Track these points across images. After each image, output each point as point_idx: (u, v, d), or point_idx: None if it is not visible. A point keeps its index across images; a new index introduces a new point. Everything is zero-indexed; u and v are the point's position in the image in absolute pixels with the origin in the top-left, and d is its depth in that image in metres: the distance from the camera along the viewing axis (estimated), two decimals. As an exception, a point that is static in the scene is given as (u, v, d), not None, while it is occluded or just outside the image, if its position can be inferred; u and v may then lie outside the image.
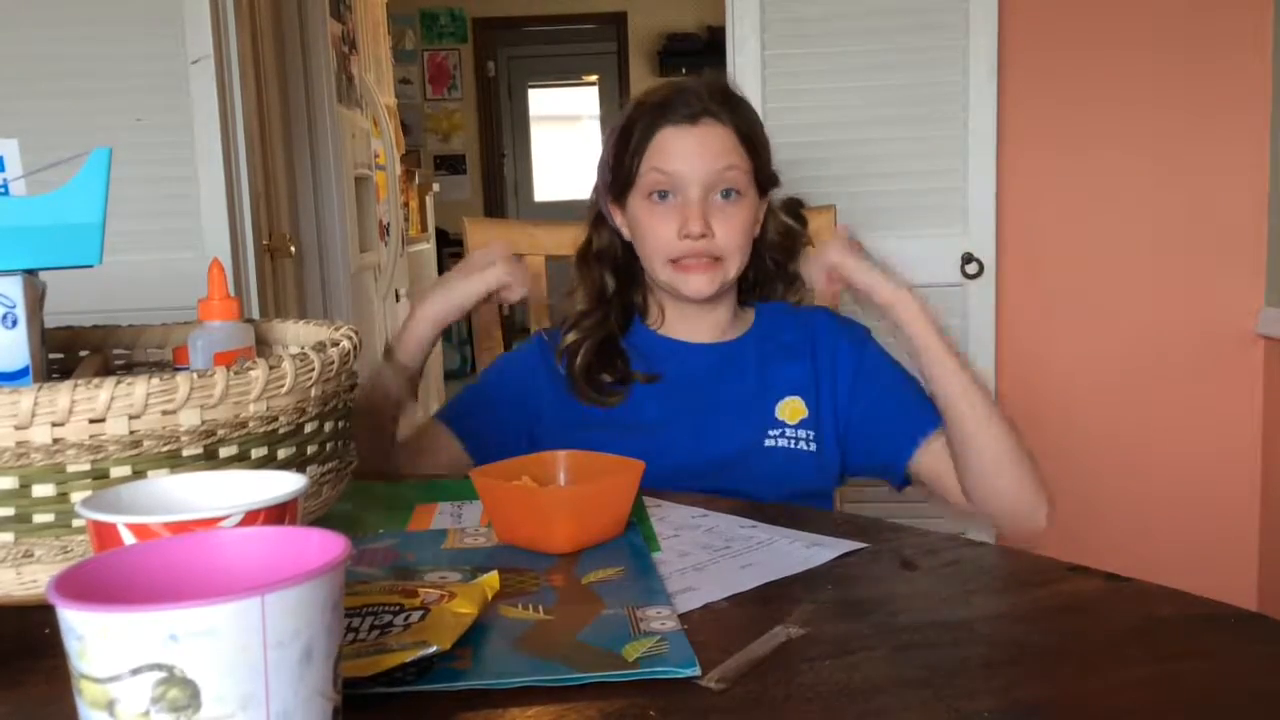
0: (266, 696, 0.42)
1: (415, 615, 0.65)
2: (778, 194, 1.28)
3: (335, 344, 0.82)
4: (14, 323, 0.83)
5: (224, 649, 0.41)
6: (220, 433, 0.73)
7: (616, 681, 0.60)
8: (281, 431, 0.77)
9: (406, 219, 4.08)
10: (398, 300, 3.47)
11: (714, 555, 0.82)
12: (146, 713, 0.40)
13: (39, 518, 0.70)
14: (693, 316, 1.24)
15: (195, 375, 0.71)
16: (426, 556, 0.83)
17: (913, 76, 1.98)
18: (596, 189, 1.29)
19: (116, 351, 1.07)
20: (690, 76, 1.26)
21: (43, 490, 0.70)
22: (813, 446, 1.19)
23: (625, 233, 1.26)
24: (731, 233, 1.18)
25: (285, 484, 0.60)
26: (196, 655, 0.40)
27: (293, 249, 2.59)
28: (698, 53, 6.68)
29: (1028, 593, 0.76)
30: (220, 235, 2.00)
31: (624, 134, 1.21)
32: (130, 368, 1.07)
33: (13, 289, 0.83)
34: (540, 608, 0.71)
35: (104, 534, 0.56)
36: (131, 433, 0.70)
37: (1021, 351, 2.06)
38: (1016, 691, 0.59)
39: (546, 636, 0.66)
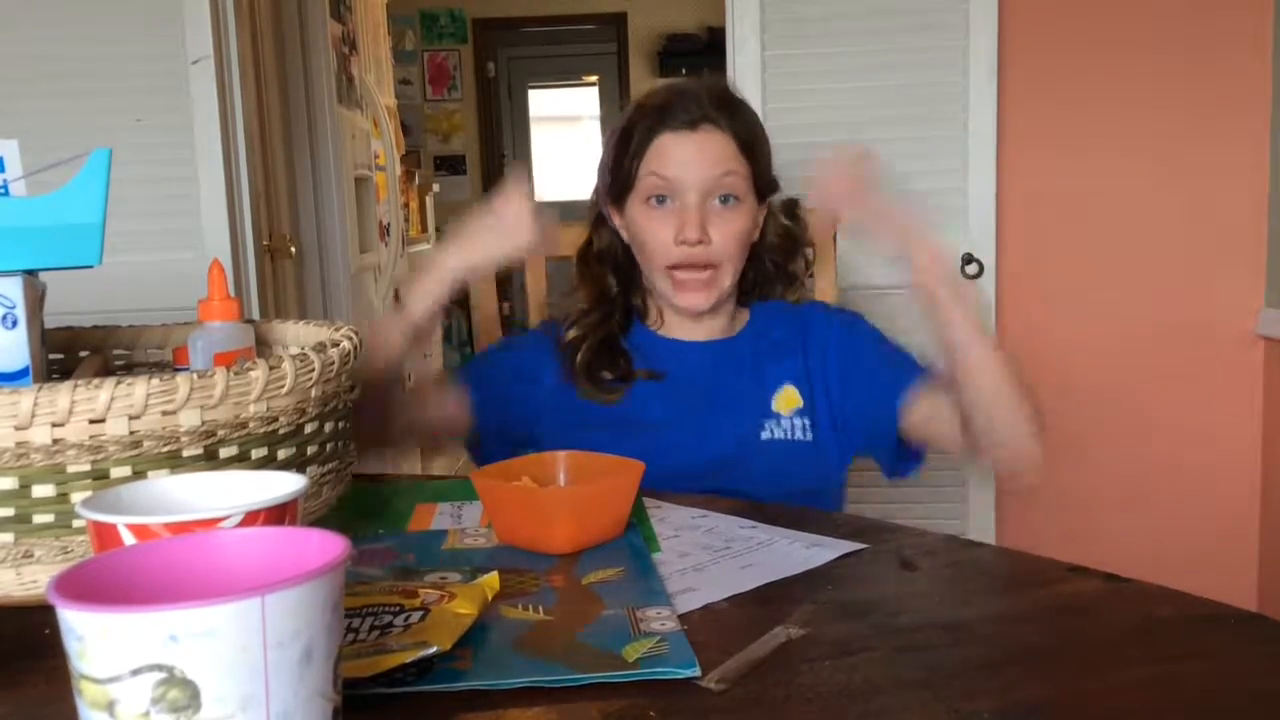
0: (266, 697, 0.42)
1: (415, 616, 0.65)
2: (776, 194, 1.28)
3: (335, 344, 0.82)
4: (14, 323, 0.83)
5: (224, 649, 0.41)
6: (220, 433, 0.73)
7: (616, 682, 0.60)
8: (281, 432, 0.77)
9: (407, 220, 4.08)
10: (397, 300, 3.47)
11: (714, 556, 0.82)
12: (146, 713, 0.40)
13: (39, 518, 0.70)
14: (690, 321, 1.25)
15: (195, 376, 0.71)
16: (426, 557, 0.83)
17: (913, 77, 1.99)
18: (597, 190, 1.29)
19: (116, 352, 1.07)
20: (691, 79, 1.26)
21: (43, 491, 0.70)
22: (809, 435, 1.19)
23: (624, 234, 1.26)
24: (728, 239, 1.18)
25: (285, 484, 0.60)
26: (196, 656, 0.40)
27: (293, 249, 2.59)
28: (698, 53, 6.67)
29: (1028, 593, 0.76)
30: (220, 236, 2.00)
31: (624, 137, 1.21)
32: (130, 368, 1.07)
33: (13, 289, 0.83)
34: (540, 608, 0.71)
35: (104, 534, 0.56)
36: (131, 433, 0.70)
37: (1021, 352, 2.04)
38: (1016, 692, 0.59)
39: (546, 637, 0.66)
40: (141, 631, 0.40)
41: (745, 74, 1.96)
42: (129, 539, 0.55)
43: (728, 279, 1.20)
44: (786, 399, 1.20)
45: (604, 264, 1.28)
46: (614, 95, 7.39)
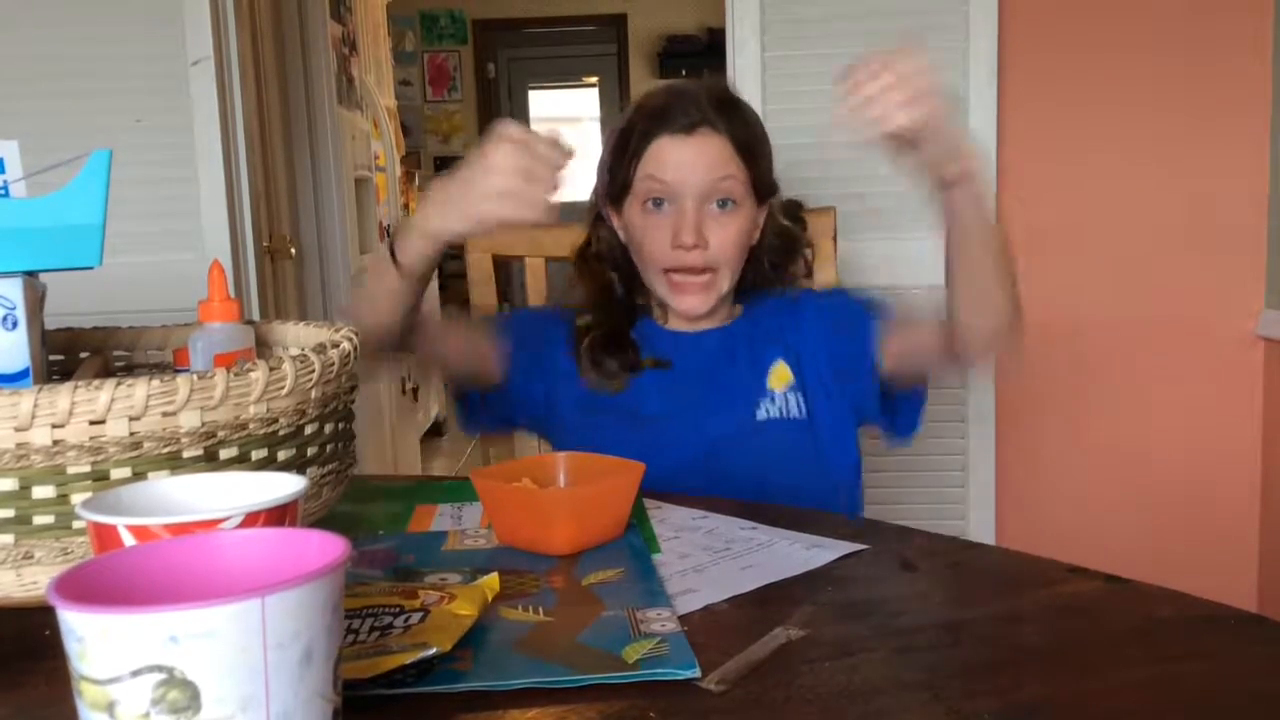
0: (266, 698, 0.42)
1: (415, 617, 0.65)
2: (776, 196, 1.28)
3: (335, 345, 0.82)
4: (14, 324, 0.83)
5: (224, 650, 0.41)
6: (220, 434, 0.73)
7: (617, 683, 0.60)
8: (282, 433, 0.77)
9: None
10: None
11: (714, 557, 0.82)
12: (146, 714, 0.40)
13: (39, 519, 0.70)
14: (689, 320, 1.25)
15: (195, 377, 0.71)
16: (426, 558, 0.83)
17: (913, 78, 1.98)
18: (595, 190, 1.29)
19: (117, 353, 1.07)
20: (690, 80, 1.25)
21: (43, 492, 0.70)
22: (802, 412, 1.19)
23: (622, 236, 1.26)
24: (725, 243, 1.18)
25: (285, 486, 0.60)
26: (197, 657, 0.40)
27: (293, 250, 2.59)
28: (698, 54, 6.67)
29: (1028, 594, 0.76)
30: (220, 237, 2.00)
31: (622, 139, 1.21)
32: (130, 369, 1.07)
33: (13, 291, 0.83)
34: (540, 609, 0.71)
35: (104, 536, 0.56)
36: (132, 434, 0.70)
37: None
38: (1016, 693, 0.59)
39: (546, 638, 0.66)
40: (141, 632, 0.40)
41: (745, 75, 1.96)
42: (129, 540, 0.55)
43: (726, 283, 1.20)
44: (779, 375, 1.21)
45: (603, 263, 1.28)
46: (614, 96, 7.39)
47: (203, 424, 0.72)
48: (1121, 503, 2.10)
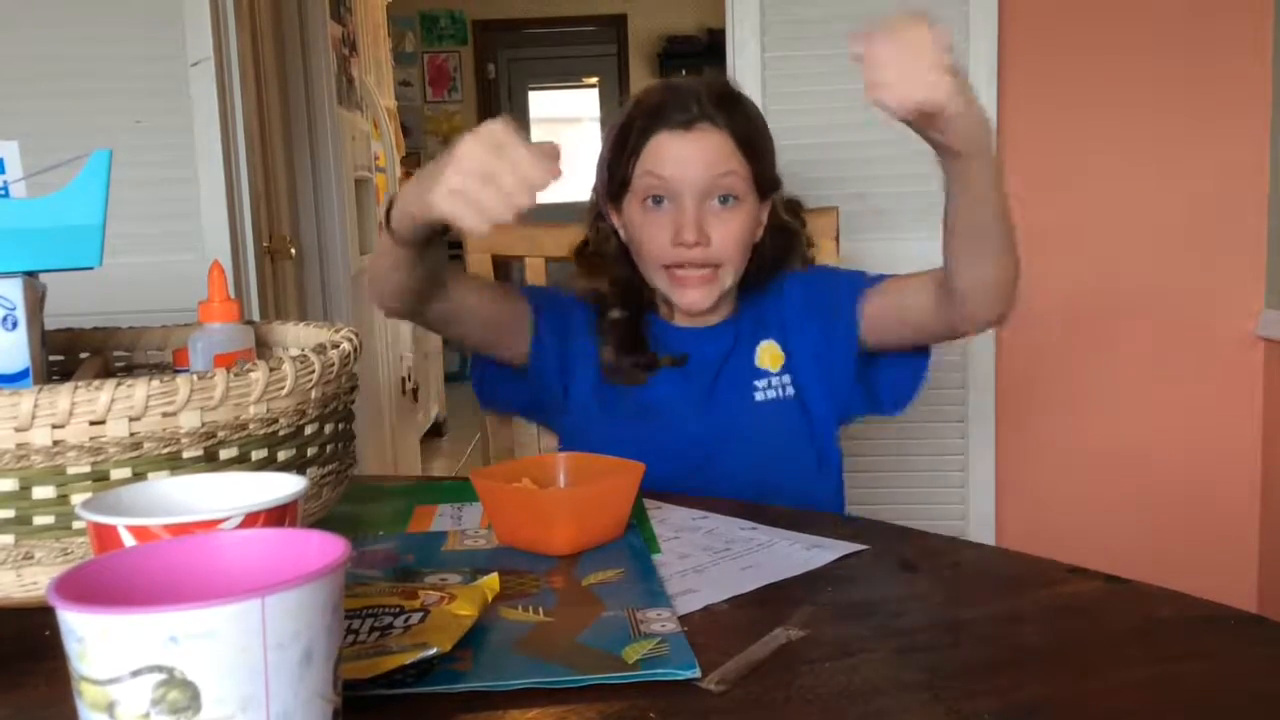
0: (266, 698, 0.42)
1: (415, 617, 0.65)
2: (778, 192, 1.27)
3: (335, 346, 0.83)
4: (14, 325, 0.83)
5: (224, 651, 0.41)
6: (220, 434, 0.73)
7: (617, 683, 0.60)
8: (281, 433, 0.77)
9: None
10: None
11: (714, 557, 0.82)
12: (147, 714, 0.40)
13: (39, 520, 0.70)
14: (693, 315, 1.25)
15: (195, 377, 0.71)
16: (426, 558, 0.83)
17: (913, 79, 1.98)
18: (595, 188, 1.28)
19: (117, 353, 1.07)
20: (690, 77, 1.24)
21: (43, 492, 0.70)
22: (791, 392, 1.20)
23: (622, 234, 1.25)
24: (728, 239, 1.17)
25: (285, 486, 0.60)
26: (197, 657, 0.40)
27: (293, 251, 2.59)
28: (698, 55, 6.67)
29: (1028, 594, 0.76)
30: (220, 237, 2.00)
31: (620, 136, 1.20)
32: (130, 369, 1.07)
33: (13, 291, 0.83)
34: (540, 610, 0.71)
35: (104, 536, 0.56)
36: (132, 434, 0.70)
37: (1022, 354, 2.06)
38: (1016, 693, 0.59)
39: (546, 638, 0.66)
40: (141, 633, 0.40)
41: (745, 76, 1.96)
42: (129, 540, 0.55)
43: (729, 279, 1.19)
44: (771, 355, 1.22)
45: (605, 261, 1.27)
46: (614, 97, 7.39)
47: (203, 424, 0.72)
48: (1121, 503, 2.10)
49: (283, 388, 0.76)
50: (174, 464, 0.71)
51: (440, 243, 1.02)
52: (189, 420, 0.72)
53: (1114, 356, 2.08)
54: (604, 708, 0.58)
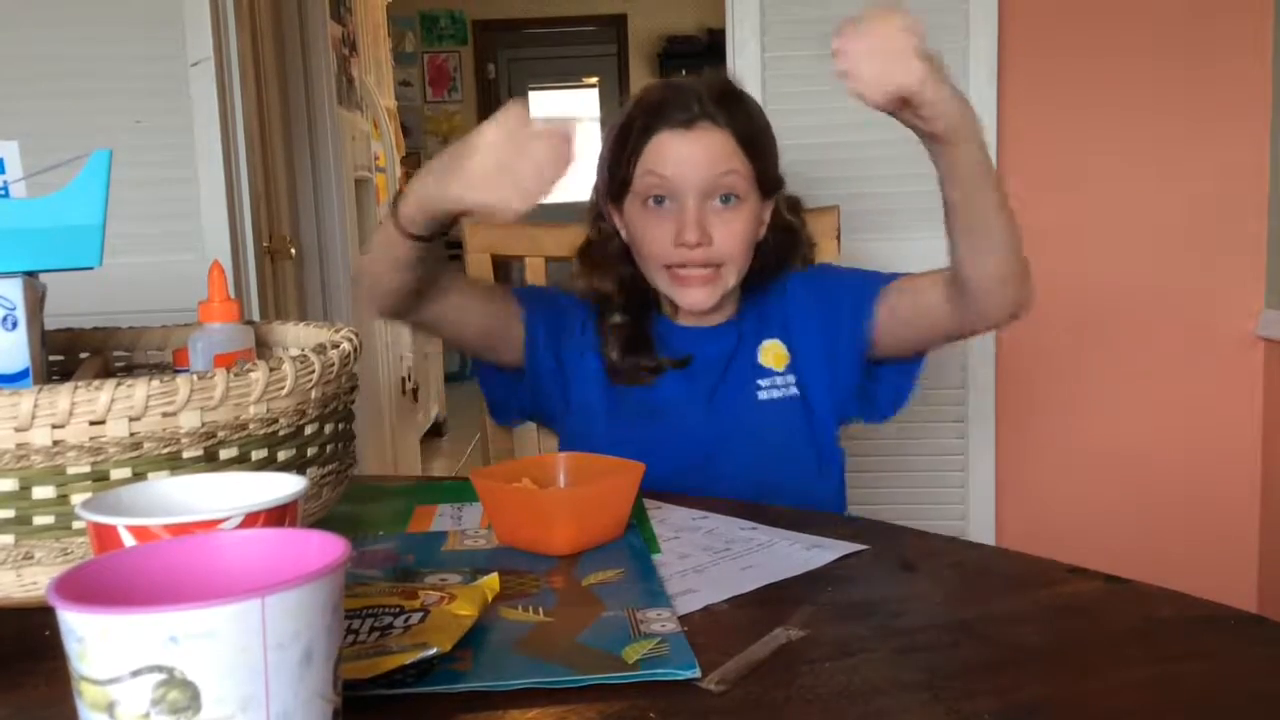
0: (266, 698, 0.42)
1: (415, 617, 0.65)
2: (780, 191, 1.26)
3: (335, 346, 0.83)
4: (14, 325, 0.83)
5: (224, 651, 0.41)
6: (220, 434, 0.73)
7: (617, 683, 0.60)
8: (281, 433, 0.77)
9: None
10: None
11: (714, 557, 0.82)
12: (146, 714, 0.40)
13: (39, 520, 0.70)
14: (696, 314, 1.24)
15: (195, 377, 0.71)
16: (426, 558, 0.83)
17: (913, 79, 1.98)
18: (596, 188, 1.28)
19: (117, 353, 1.07)
20: (691, 76, 1.23)
21: (43, 492, 0.70)
22: (795, 392, 1.20)
23: (623, 234, 1.25)
24: (731, 239, 1.16)
25: (285, 486, 0.60)
26: (196, 657, 0.40)
27: (293, 251, 2.59)
28: (698, 55, 6.67)
29: (1028, 594, 0.76)
30: (220, 237, 2.00)
31: (621, 135, 1.19)
32: (130, 369, 1.07)
33: (13, 291, 0.83)
34: (540, 610, 0.71)
35: (104, 536, 0.56)
36: (132, 434, 0.70)
37: (1022, 354, 2.06)
38: (1016, 693, 0.59)
39: (546, 638, 0.66)
40: (141, 633, 0.40)
41: (745, 76, 1.95)
42: (129, 540, 0.55)
43: (732, 278, 1.19)
44: (774, 354, 1.21)
45: (608, 261, 1.27)
46: (614, 97, 7.39)
47: (203, 424, 0.72)
48: (1121, 503, 2.10)
49: (283, 388, 0.76)
50: (174, 464, 0.71)
51: (441, 241, 1.03)
52: (189, 420, 0.72)
53: (1114, 356, 2.08)
54: (604, 708, 0.58)
